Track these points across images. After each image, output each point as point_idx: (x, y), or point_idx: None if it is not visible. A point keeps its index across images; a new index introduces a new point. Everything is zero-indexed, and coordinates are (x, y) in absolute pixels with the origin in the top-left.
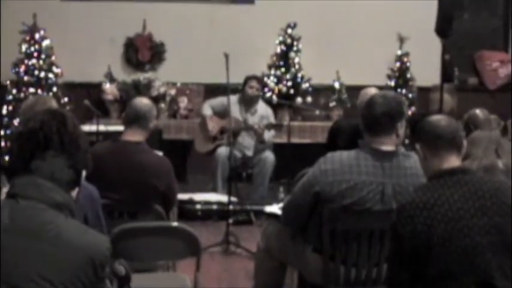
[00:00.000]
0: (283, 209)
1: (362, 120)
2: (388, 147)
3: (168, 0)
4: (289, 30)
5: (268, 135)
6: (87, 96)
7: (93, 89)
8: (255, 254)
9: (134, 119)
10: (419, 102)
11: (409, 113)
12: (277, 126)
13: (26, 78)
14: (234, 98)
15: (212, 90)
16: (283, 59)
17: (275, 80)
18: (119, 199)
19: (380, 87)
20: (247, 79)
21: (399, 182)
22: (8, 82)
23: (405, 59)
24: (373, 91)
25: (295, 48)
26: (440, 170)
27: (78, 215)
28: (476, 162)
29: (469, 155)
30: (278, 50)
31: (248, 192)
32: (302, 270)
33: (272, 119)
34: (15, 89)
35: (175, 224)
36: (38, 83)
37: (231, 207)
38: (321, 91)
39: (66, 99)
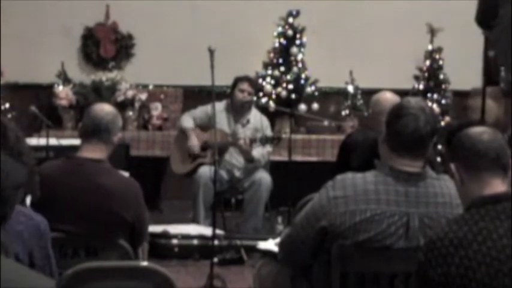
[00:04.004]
0: (281, 244)
1: (386, 133)
2: (413, 169)
3: None
4: (291, 20)
5: (262, 151)
6: (34, 102)
7: (42, 92)
8: None
9: (94, 131)
10: (455, 111)
11: (442, 123)
12: (274, 140)
13: None
14: (220, 105)
15: (193, 95)
16: (283, 56)
17: (272, 82)
18: (74, 232)
19: (405, 92)
20: (237, 81)
21: (428, 212)
22: None
23: (437, 56)
24: (388, 96)
25: (298, 42)
26: (481, 197)
27: (21, 252)
28: None
29: None
30: (276, 44)
31: (238, 223)
32: None
33: (268, 131)
34: None
35: (145, 263)
36: None
37: (216, 242)
38: (330, 96)
39: (7, 105)
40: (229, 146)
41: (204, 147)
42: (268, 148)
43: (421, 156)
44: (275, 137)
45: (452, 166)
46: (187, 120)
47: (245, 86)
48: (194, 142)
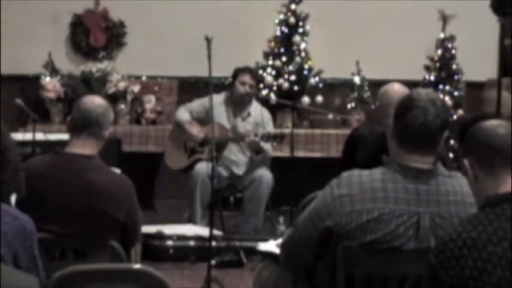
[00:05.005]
0: (283, 245)
1: (394, 127)
2: (424, 165)
3: None
4: (293, 6)
5: (265, 147)
6: (20, 94)
7: (28, 84)
8: None
9: (83, 125)
10: (469, 103)
11: (455, 117)
12: (277, 138)
13: None
14: (218, 98)
15: (189, 87)
16: (285, 45)
17: (274, 72)
18: (62, 232)
19: (415, 84)
20: (237, 72)
21: (439, 211)
22: None
23: (450, 45)
24: (396, 88)
25: (300, 30)
26: (497, 195)
27: (6, 254)
28: None
29: None
30: (278, 33)
31: (237, 223)
32: None
33: (270, 126)
34: None
35: (137, 266)
36: None
37: (213, 243)
38: (335, 88)
39: None
40: (233, 142)
41: (202, 142)
42: (271, 144)
43: (431, 151)
44: (278, 135)
45: (466, 162)
46: (183, 113)
47: (247, 78)
48: (194, 131)
